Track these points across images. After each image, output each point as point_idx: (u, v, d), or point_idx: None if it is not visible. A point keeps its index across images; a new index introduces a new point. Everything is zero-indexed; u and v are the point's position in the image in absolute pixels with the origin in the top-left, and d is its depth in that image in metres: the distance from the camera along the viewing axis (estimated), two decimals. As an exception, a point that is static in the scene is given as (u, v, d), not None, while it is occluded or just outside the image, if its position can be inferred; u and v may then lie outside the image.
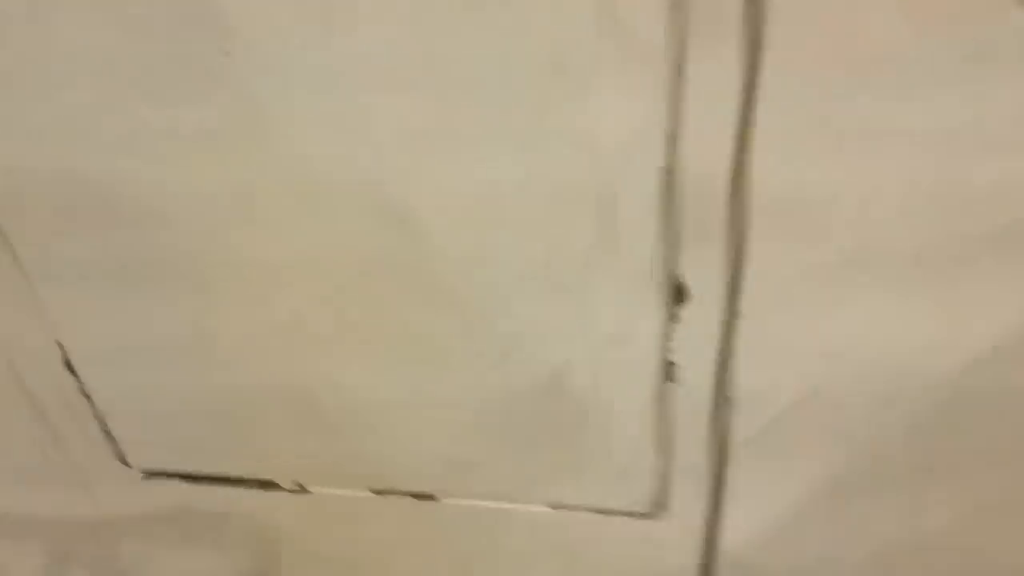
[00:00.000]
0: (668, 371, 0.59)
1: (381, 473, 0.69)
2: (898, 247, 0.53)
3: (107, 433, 0.70)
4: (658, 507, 0.66)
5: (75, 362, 0.67)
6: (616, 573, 0.69)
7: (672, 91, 0.49)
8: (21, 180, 0.58)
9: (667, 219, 0.53)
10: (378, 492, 0.70)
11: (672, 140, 0.51)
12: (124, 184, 0.57)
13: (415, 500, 0.70)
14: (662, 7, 0.47)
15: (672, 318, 0.57)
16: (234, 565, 0.75)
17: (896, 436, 0.60)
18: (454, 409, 0.65)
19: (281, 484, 0.71)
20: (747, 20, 0.47)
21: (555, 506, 0.68)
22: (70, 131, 0.56)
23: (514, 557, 0.70)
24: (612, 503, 0.67)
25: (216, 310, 0.62)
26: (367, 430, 0.67)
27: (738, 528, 0.66)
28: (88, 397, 0.68)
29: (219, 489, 0.72)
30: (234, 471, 0.71)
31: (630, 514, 0.67)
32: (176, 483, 0.72)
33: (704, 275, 0.56)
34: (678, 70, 0.49)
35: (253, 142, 0.55)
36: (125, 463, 0.71)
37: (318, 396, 0.66)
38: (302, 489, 0.71)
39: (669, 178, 0.52)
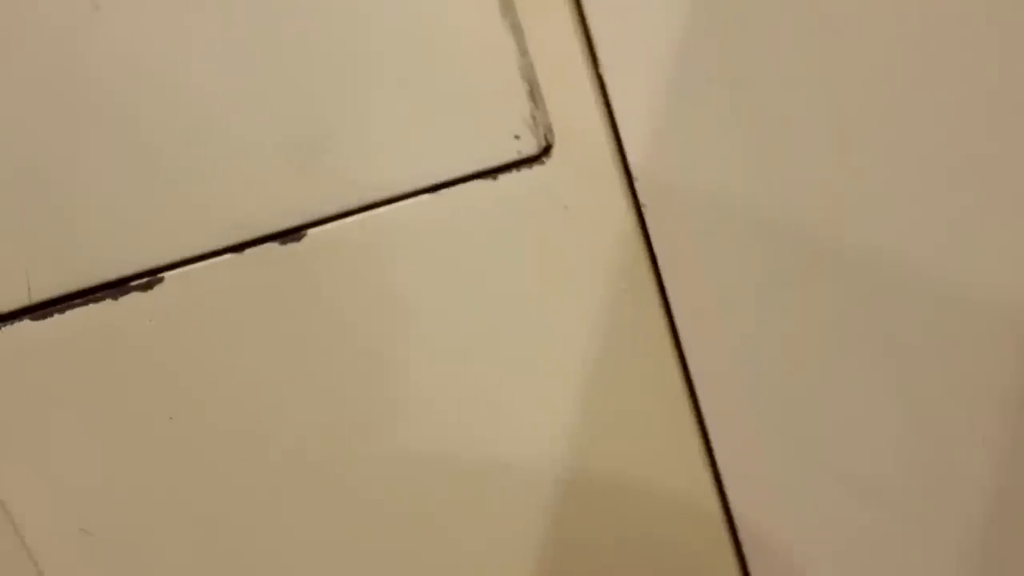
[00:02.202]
0: None
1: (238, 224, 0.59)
2: None
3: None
4: (547, 143, 0.56)
5: None
6: (521, 239, 0.58)
7: None
8: None
9: None
10: (237, 248, 0.60)
11: None
12: None
13: (280, 244, 0.59)
14: None
15: None
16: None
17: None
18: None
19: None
20: None
21: (433, 188, 0.57)
22: None
23: (400, 270, 0.59)
24: (494, 158, 0.56)
25: None
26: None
27: (635, 135, 0.56)
28: None
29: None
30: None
31: (517, 165, 0.56)
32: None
33: None
34: None
35: None
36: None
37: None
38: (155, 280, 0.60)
39: None
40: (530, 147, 0.55)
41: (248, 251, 0.59)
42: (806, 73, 0.52)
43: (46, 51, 0.56)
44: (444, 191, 0.57)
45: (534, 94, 0.54)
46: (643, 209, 0.56)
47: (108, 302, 0.61)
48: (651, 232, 0.56)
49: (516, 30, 0.53)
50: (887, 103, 0.51)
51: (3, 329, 0.62)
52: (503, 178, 0.56)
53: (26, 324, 0.62)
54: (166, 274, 0.60)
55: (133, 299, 0.61)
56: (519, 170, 0.56)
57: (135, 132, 0.57)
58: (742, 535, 0.61)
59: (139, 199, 0.59)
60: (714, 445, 0.60)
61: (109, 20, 0.55)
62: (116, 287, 0.61)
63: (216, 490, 0.64)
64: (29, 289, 0.61)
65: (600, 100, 0.54)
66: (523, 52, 0.53)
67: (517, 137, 0.55)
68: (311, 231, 0.59)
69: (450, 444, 0.61)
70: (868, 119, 0.52)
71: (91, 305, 0.61)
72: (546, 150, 0.55)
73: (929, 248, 0.53)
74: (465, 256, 0.58)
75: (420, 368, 0.60)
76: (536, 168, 0.56)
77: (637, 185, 0.55)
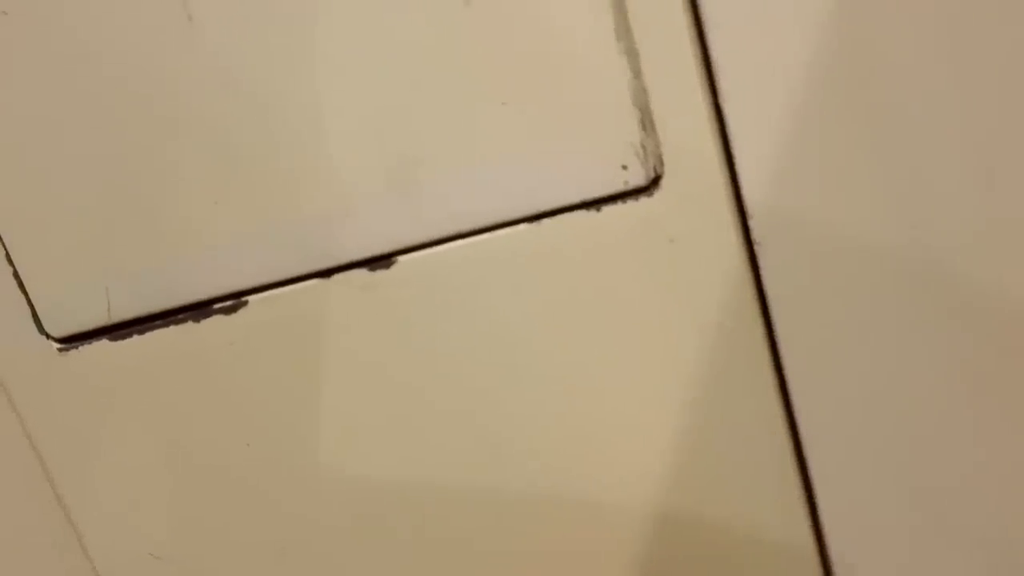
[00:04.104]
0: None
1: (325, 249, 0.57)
2: None
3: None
4: (656, 174, 0.53)
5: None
6: (625, 273, 0.55)
7: None
8: None
9: None
10: (324, 274, 0.57)
11: None
12: None
13: (369, 271, 0.57)
14: None
15: None
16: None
17: None
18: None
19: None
20: None
21: (532, 218, 0.55)
22: None
23: (495, 303, 0.56)
24: (600, 187, 0.53)
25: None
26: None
27: (753, 169, 0.52)
28: None
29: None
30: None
31: (623, 196, 0.53)
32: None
33: None
34: None
35: None
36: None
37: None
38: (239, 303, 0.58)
39: None
40: (638, 178, 0.52)
41: (335, 276, 0.57)
42: (943, 108, 0.48)
43: (137, 64, 0.54)
44: (545, 221, 0.54)
45: (645, 122, 0.51)
46: (756, 247, 0.53)
47: (190, 324, 0.59)
48: (763, 272, 0.53)
49: (631, 54, 0.50)
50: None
51: (81, 348, 0.60)
52: (607, 209, 0.53)
53: (104, 344, 0.60)
54: (250, 298, 0.58)
55: (215, 322, 0.58)
56: (625, 202, 0.53)
57: (225, 152, 0.55)
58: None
59: (227, 220, 0.56)
60: (817, 494, 0.57)
61: (202, 33, 0.53)
62: (199, 309, 0.58)
63: (291, 520, 0.61)
64: (109, 308, 0.59)
65: (716, 130, 0.51)
66: (637, 77, 0.50)
67: (625, 167, 0.52)
68: (402, 258, 0.56)
69: (545, 481, 0.58)
70: (1011, 157, 0.48)
71: (172, 327, 0.59)
72: (655, 181, 0.52)
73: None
74: (564, 289, 0.55)
75: (514, 403, 0.57)
76: (643, 200, 0.53)
77: (751, 222, 0.52)
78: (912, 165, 0.50)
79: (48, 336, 0.60)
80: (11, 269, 0.59)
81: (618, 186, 0.53)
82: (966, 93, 0.49)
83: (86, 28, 0.54)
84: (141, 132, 0.55)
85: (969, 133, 0.49)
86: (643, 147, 0.52)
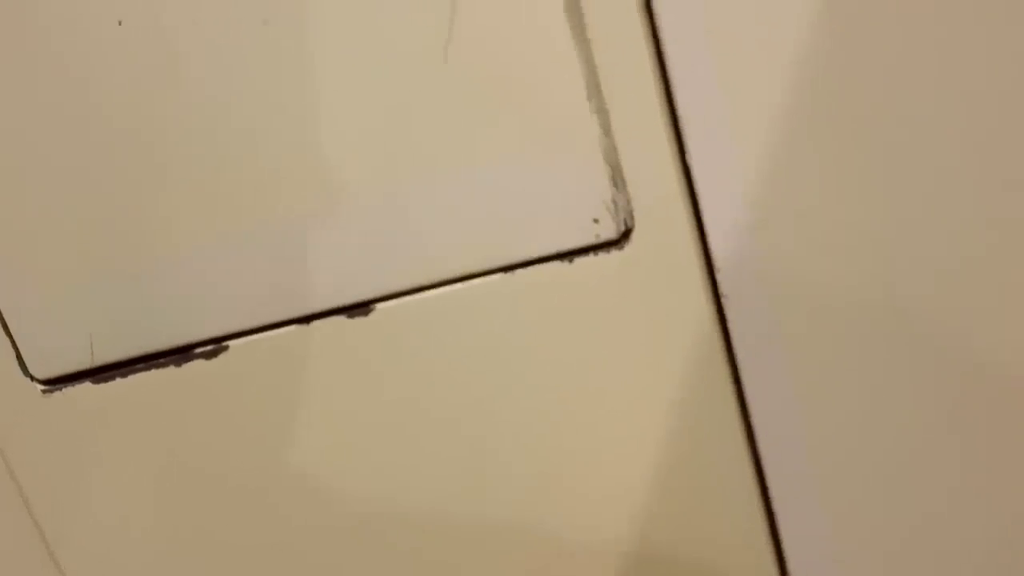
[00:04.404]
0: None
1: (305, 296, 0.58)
2: None
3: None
4: (627, 228, 0.54)
5: None
6: (595, 323, 0.56)
7: None
8: None
9: None
10: (304, 320, 0.58)
11: None
12: None
13: (347, 317, 0.58)
14: None
15: None
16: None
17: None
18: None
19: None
20: None
21: (506, 268, 0.56)
22: None
23: (468, 350, 0.57)
24: (572, 240, 0.55)
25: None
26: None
27: (720, 224, 0.54)
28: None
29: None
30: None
31: (595, 249, 0.55)
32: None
33: None
34: None
35: None
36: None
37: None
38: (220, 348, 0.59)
39: None
40: (609, 231, 0.54)
41: (315, 323, 0.58)
42: (909, 164, 0.50)
43: (122, 108, 0.55)
44: (518, 271, 0.55)
45: (616, 178, 0.53)
46: (723, 300, 0.54)
47: (171, 368, 0.60)
48: (730, 324, 0.54)
49: (601, 113, 0.52)
50: (997, 199, 0.49)
51: (64, 390, 0.61)
52: (579, 261, 0.55)
53: (87, 386, 0.61)
54: (231, 343, 0.59)
55: (196, 366, 0.60)
56: (596, 254, 0.54)
57: (208, 200, 0.56)
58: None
59: (208, 267, 0.58)
60: (784, 545, 0.58)
61: (188, 75, 0.54)
62: (180, 353, 0.60)
63: (271, 556, 0.63)
64: (92, 351, 0.60)
65: (684, 187, 0.53)
66: (607, 135, 0.52)
67: (596, 221, 0.54)
68: (380, 305, 0.57)
69: (517, 520, 0.59)
70: (975, 213, 0.50)
71: (154, 370, 0.60)
72: (625, 234, 0.54)
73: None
74: (538, 336, 0.57)
75: (489, 447, 0.59)
76: (614, 252, 0.54)
77: (718, 276, 0.54)
78: (878, 220, 0.52)
79: (32, 378, 0.61)
80: (-3, 315, 0.60)
81: (590, 239, 0.54)
82: (933, 150, 0.50)
83: (72, 67, 0.55)
84: (125, 177, 0.57)
85: (934, 190, 0.51)
86: (614, 202, 0.53)
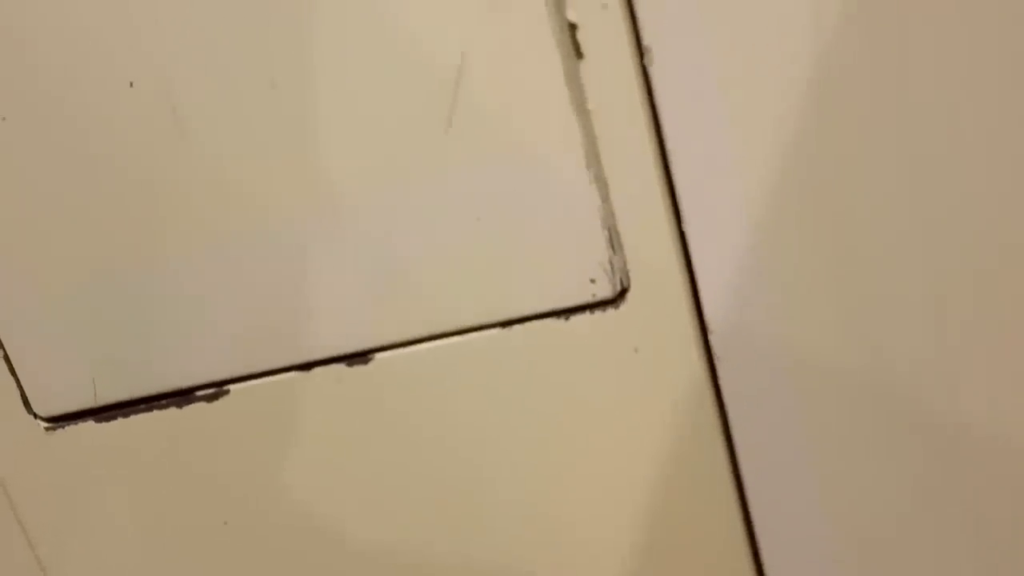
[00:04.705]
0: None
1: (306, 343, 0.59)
2: None
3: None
4: (622, 288, 0.55)
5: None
6: (589, 380, 0.57)
7: None
8: None
9: None
10: (304, 367, 0.60)
11: None
12: None
13: (347, 366, 0.59)
14: None
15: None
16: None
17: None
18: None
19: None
20: None
21: (504, 323, 0.57)
22: None
23: (464, 401, 0.58)
24: (569, 298, 0.56)
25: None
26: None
27: (713, 287, 0.55)
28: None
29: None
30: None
31: (590, 307, 0.56)
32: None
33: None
34: None
35: None
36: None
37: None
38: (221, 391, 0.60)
39: None
40: (605, 291, 0.55)
41: (315, 370, 0.59)
42: (900, 235, 0.51)
43: (125, 156, 0.56)
44: (515, 327, 0.57)
45: (613, 241, 0.54)
46: (716, 362, 0.55)
47: (172, 410, 0.61)
48: (722, 385, 0.55)
49: (600, 181, 0.53)
50: (986, 273, 0.50)
51: (67, 428, 0.62)
52: (575, 319, 0.56)
53: (90, 425, 0.62)
54: (232, 387, 0.60)
55: (198, 409, 0.61)
56: (592, 312, 0.56)
57: (212, 247, 0.57)
58: None
59: (211, 312, 0.59)
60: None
61: (191, 134, 0.55)
62: (182, 396, 0.61)
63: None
64: (95, 391, 0.61)
65: (679, 250, 0.54)
66: (605, 201, 0.53)
67: (593, 281, 0.55)
68: (379, 355, 0.58)
69: (509, 568, 0.60)
70: (960, 287, 0.51)
71: (156, 412, 0.61)
72: (621, 294, 0.55)
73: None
74: (533, 391, 0.58)
75: (480, 497, 0.60)
76: (610, 311, 0.55)
77: (712, 337, 0.55)
78: (869, 288, 0.52)
79: (35, 415, 0.62)
80: (1, 351, 0.61)
81: (586, 298, 0.55)
82: (922, 221, 0.51)
83: (78, 127, 0.56)
84: (129, 225, 0.58)
85: (921, 262, 0.52)
86: (610, 264, 0.54)
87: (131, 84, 0.55)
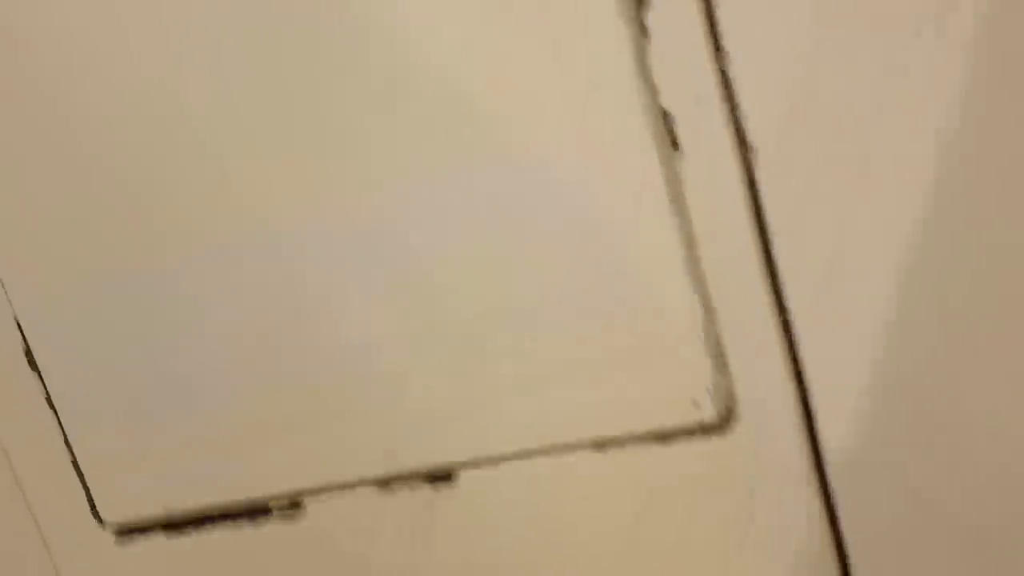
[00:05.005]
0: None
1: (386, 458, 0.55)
2: None
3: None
4: (728, 413, 0.50)
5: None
6: (691, 511, 0.52)
7: None
8: None
9: None
10: (383, 483, 0.55)
11: None
12: None
13: (430, 486, 0.55)
14: None
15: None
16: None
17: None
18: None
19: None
20: None
21: (597, 444, 0.52)
22: None
23: (553, 524, 0.53)
24: (668, 420, 0.51)
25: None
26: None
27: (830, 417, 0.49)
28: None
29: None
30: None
31: (692, 432, 0.51)
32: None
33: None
34: None
35: None
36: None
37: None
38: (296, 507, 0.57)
39: None
40: (709, 415, 0.50)
41: (397, 489, 0.55)
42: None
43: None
44: (610, 450, 0.51)
45: (718, 362, 0.48)
46: (832, 496, 0.49)
47: (246, 527, 0.57)
48: (841, 521, 0.49)
49: (707, 307, 0.48)
50: None
51: (136, 540, 0.59)
52: (676, 444, 0.50)
53: (160, 538, 0.59)
54: (307, 500, 0.56)
55: (273, 527, 0.57)
56: (694, 437, 0.50)
57: (290, 357, 0.54)
58: None
59: (287, 420, 0.55)
60: None
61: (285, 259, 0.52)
62: (257, 512, 0.57)
63: None
64: (166, 502, 0.58)
65: (792, 373, 0.48)
66: (711, 319, 0.48)
67: (695, 403, 0.49)
68: (464, 472, 0.54)
69: None
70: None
71: (229, 527, 0.58)
72: (727, 420, 0.49)
73: None
74: (626, 516, 0.53)
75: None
76: (714, 439, 0.50)
77: (828, 469, 0.49)
78: (1002, 416, 0.46)
79: (103, 523, 0.59)
80: (70, 456, 0.59)
81: (687, 421, 0.50)
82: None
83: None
84: (212, 338, 0.55)
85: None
86: (715, 385, 0.49)
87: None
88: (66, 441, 0.59)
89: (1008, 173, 0.43)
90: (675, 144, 0.45)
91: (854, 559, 0.50)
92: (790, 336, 0.48)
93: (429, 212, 0.50)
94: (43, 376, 0.57)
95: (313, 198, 0.51)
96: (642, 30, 0.44)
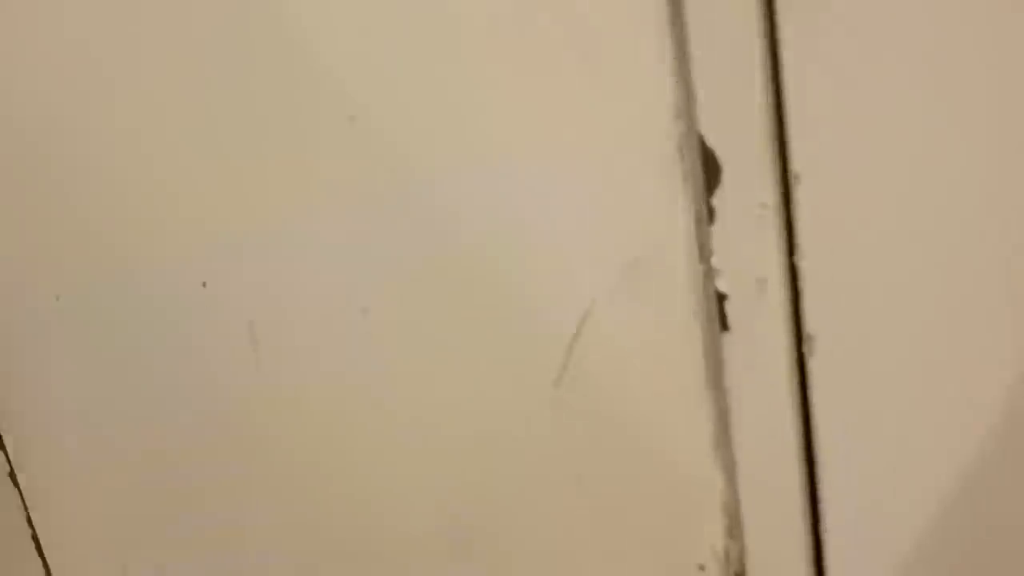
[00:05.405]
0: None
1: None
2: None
3: None
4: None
5: None
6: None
7: None
8: None
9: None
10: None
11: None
12: None
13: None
14: None
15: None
16: None
17: None
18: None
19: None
20: None
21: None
22: None
23: None
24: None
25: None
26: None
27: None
28: None
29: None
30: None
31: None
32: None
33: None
34: None
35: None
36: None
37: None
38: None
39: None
40: (716, 580, 0.47)
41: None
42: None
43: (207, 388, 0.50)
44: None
45: (732, 529, 0.46)
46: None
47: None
48: None
49: (728, 463, 0.45)
50: None
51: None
52: (679, 602, 0.48)
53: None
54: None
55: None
56: (701, 602, 0.48)
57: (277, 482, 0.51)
58: None
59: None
60: None
61: (268, 362, 0.49)
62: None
63: None
64: None
65: (812, 556, 0.46)
66: (730, 485, 0.45)
67: (702, 567, 0.47)
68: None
69: None
70: None
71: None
72: (734, 589, 0.47)
73: None
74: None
75: None
76: (720, 602, 0.48)
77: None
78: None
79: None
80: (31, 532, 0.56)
81: (694, 584, 0.48)
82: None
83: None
84: (201, 455, 0.52)
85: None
86: (725, 552, 0.47)
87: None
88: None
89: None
90: (724, 324, 0.43)
91: None
92: (816, 520, 0.46)
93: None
94: None
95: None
96: (709, 211, 0.41)
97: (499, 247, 0.43)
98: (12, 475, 0.53)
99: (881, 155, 0.39)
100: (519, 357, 0.45)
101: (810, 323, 0.42)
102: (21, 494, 0.54)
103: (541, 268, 0.43)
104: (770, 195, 0.39)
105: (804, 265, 0.40)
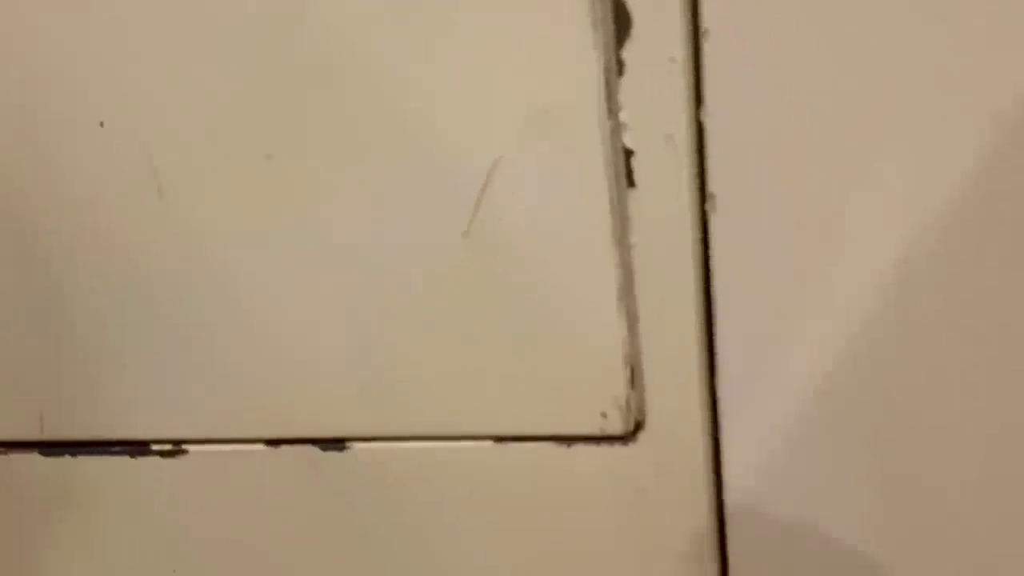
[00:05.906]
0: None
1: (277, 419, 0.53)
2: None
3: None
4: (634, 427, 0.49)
5: None
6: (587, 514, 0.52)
7: None
8: None
9: None
10: (272, 443, 0.54)
11: None
12: None
13: (320, 449, 0.53)
14: None
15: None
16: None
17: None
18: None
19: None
20: None
21: (499, 438, 0.51)
22: None
23: (446, 509, 0.53)
24: (573, 427, 0.50)
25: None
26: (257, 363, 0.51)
27: (737, 445, 0.49)
28: None
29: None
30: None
31: (596, 440, 0.50)
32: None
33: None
34: None
35: None
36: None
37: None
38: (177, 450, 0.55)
39: None
40: (615, 427, 0.49)
41: (284, 447, 0.54)
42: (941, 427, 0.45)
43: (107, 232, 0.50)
44: (511, 443, 0.51)
45: (634, 379, 0.48)
46: (727, 519, 0.50)
47: (125, 459, 0.56)
48: (729, 542, 0.50)
49: (631, 316, 0.46)
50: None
51: (11, 455, 0.57)
52: (578, 448, 0.50)
53: (35, 456, 0.57)
54: (190, 447, 0.55)
55: (152, 462, 0.55)
56: (598, 444, 0.50)
57: (191, 317, 0.51)
58: None
59: (177, 369, 0.53)
60: None
61: (173, 208, 0.49)
62: (136, 446, 0.55)
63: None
64: (42, 426, 0.56)
65: (706, 400, 0.48)
66: (632, 337, 0.47)
67: (604, 415, 0.49)
68: (356, 444, 0.53)
69: None
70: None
71: (106, 457, 0.56)
72: (633, 433, 0.49)
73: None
74: (522, 512, 0.52)
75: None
76: (617, 447, 0.50)
77: (726, 495, 0.49)
78: (903, 479, 0.47)
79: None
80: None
81: (593, 430, 0.50)
82: (970, 413, 0.45)
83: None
84: (94, 283, 0.51)
85: (965, 458, 0.46)
86: (626, 401, 0.48)
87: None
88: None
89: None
90: (631, 181, 0.43)
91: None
92: (712, 368, 0.47)
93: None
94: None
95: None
96: (619, 64, 0.41)
97: (407, 91, 0.43)
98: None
99: (791, 12, 0.40)
100: (429, 205, 0.45)
101: (713, 182, 0.43)
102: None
103: (451, 114, 0.43)
104: (679, 49, 0.40)
105: (709, 122, 0.41)
